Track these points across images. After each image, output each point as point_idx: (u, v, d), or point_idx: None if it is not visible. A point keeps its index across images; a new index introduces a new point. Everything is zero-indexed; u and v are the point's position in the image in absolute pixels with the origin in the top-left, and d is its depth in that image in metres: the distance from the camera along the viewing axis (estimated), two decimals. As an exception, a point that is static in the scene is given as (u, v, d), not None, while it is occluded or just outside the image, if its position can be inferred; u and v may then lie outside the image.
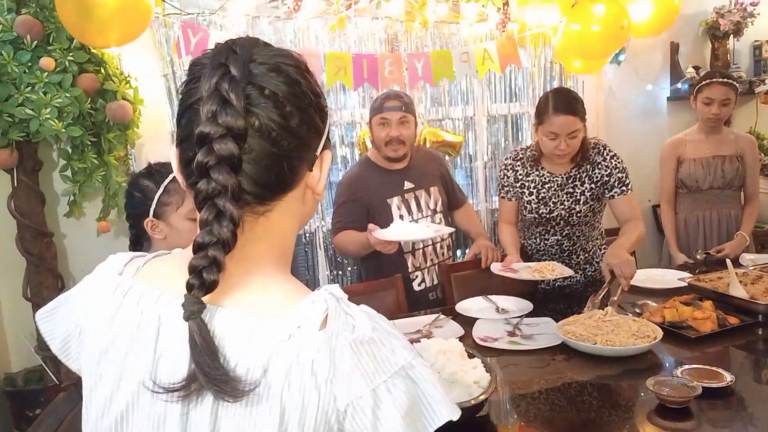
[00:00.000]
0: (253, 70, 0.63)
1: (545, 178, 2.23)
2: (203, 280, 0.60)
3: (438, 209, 2.40)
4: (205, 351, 0.59)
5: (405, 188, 2.34)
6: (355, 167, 2.46)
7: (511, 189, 2.30)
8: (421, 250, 2.35)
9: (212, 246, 0.61)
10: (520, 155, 2.30)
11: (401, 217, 2.30)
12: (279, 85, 0.63)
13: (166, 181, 1.44)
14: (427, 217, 2.36)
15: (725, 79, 2.61)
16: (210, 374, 0.58)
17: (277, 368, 0.59)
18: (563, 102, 2.07)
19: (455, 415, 0.62)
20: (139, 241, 1.53)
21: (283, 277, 0.68)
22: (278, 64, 0.64)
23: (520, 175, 2.27)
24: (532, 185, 2.25)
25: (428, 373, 0.63)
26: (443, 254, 2.46)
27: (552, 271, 2.04)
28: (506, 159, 2.35)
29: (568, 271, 2.08)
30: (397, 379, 0.61)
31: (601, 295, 1.87)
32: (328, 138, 0.71)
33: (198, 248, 0.61)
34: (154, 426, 0.63)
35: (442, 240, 2.41)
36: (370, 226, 2.09)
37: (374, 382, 0.60)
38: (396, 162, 2.33)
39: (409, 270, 2.35)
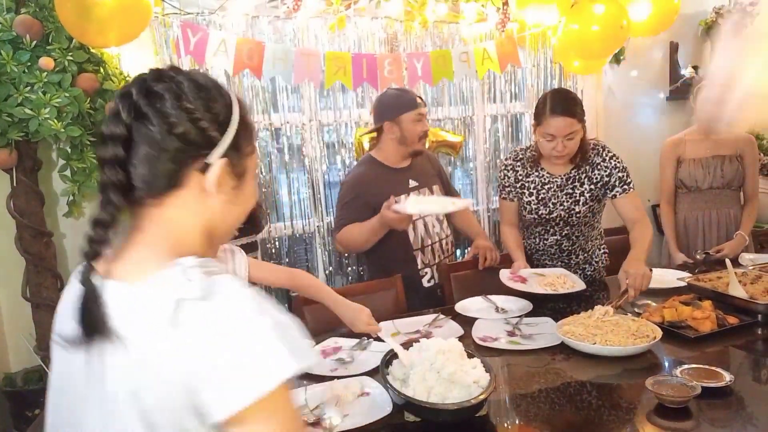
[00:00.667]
0: (151, 90, 0.77)
1: (545, 179, 2.24)
2: (88, 250, 0.76)
3: None
4: (89, 305, 0.73)
5: (410, 186, 2.37)
6: (360, 167, 2.45)
7: (513, 189, 2.30)
8: (429, 247, 2.38)
9: (97, 224, 0.76)
10: (520, 156, 2.30)
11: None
12: (166, 103, 0.76)
13: None
14: (432, 214, 2.38)
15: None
16: (91, 324, 0.73)
17: (137, 325, 0.72)
18: (561, 103, 2.07)
19: (292, 366, 0.68)
20: None
21: (168, 258, 0.76)
22: (174, 86, 0.77)
23: (521, 175, 2.28)
24: (532, 186, 2.25)
25: (267, 331, 0.70)
26: (448, 250, 2.49)
27: (563, 284, 2.03)
28: (506, 159, 2.35)
29: (580, 284, 2.05)
30: (226, 335, 0.68)
31: (615, 303, 1.85)
32: (235, 149, 0.81)
33: (90, 225, 0.77)
34: (68, 373, 0.78)
35: (447, 237, 2.46)
36: (389, 200, 2.06)
37: (203, 336, 0.68)
38: (403, 160, 2.37)
39: (419, 267, 2.37)
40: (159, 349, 0.70)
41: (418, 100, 2.32)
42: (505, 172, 2.32)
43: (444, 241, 2.43)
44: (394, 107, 2.30)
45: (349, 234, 2.26)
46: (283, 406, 0.71)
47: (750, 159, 2.71)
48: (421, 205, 2.08)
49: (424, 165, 2.46)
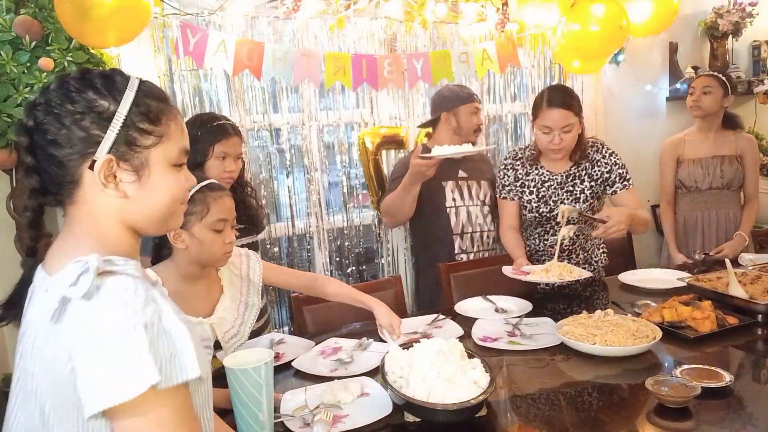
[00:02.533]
0: (43, 100, 0.83)
1: (545, 177, 2.25)
2: (27, 248, 0.90)
3: (487, 202, 2.54)
4: (17, 289, 0.89)
5: (459, 176, 2.50)
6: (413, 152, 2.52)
7: (513, 188, 2.31)
8: (469, 235, 2.50)
9: (26, 228, 0.89)
10: (519, 155, 2.31)
11: (453, 200, 2.48)
12: (53, 110, 0.82)
13: (192, 190, 1.43)
14: (477, 205, 2.51)
15: (711, 72, 2.65)
16: (10, 305, 0.89)
17: (34, 314, 0.81)
18: (557, 96, 2.12)
19: (153, 377, 0.71)
20: (161, 250, 1.53)
21: (88, 249, 0.81)
22: (58, 92, 0.83)
23: (520, 174, 2.28)
24: (532, 184, 2.26)
25: (135, 340, 0.72)
26: (489, 244, 2.56)
27: (570, 273, 2.03)
28: (505, 159, 2.36)
29: (585, 273, 2.06)
30: (96, 339, 0.71)
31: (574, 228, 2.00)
32: (127, 144, 0.83)
33: (22, 229, 0.90)
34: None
35: (489, 231, 2.54)
36: (417, 148, 2.24)
37: (77, 336, 0.73)
38: None
39: (456, 252, 2.47)
40: (44, 342, 0.77)
41: (475, 95, 2.54)
42: (505, 171, 2.32)
43: (485, 234, 2.54)
44: (452, 99, 2.49)
45: (387, 199, 2.41)
46: (152, 410, 0.73)
47: (750, 159, 2.71)
48: (444, 150, 2.19)
49: (478, 163, 2.59)
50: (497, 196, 2.40)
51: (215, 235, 1.45)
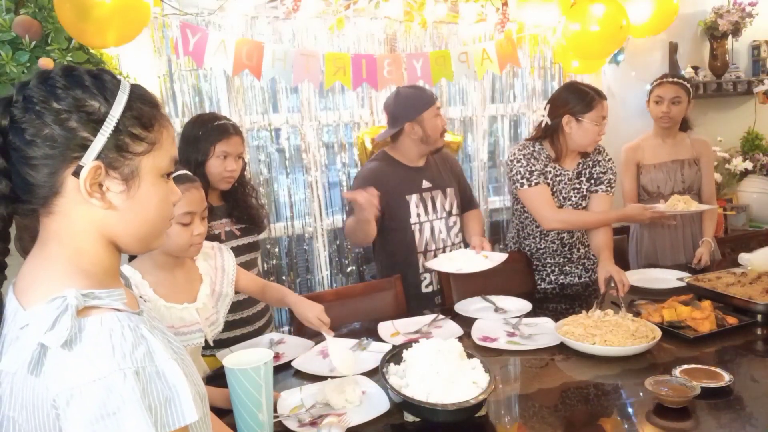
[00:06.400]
0: (24, 94, 0.74)
1: (558, 172, 2.28)
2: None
3: (453, 212, 2.37)
4: None
5: (423, 187, 2.31)
6: (373, 161, 2.37)
7: (541, 174, 2.27)
8: (432, 253, 2.31)
9: None
10: (530, 148, 2.29)
11: (418, 215, 2.29)
12: (34, 106, 0.73)
13: None
14: (442, 218, 2.34)
15: (675, 79, 2.62)
16: None
17: (10, 357, 0.72)
18: (598, 90, 2.23)
19: (149, 429, 0.66)
20: None
21: (64, 277, 0.75)
22: (44, 87, 0.74)
23: (541, 165, 2.27)
24: (549, 177, 2.28)
25: (125, 391, 0.66)
26: None
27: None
28: (521, 150, 2.30)
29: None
30: (82, 393, 0.65)
31: (601, 303, 1.87)
32: (117, 149, 0.76)
33: None
34: None
35: (453, 244, 2.35)
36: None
37: (61, 389, 0.66)
38: (420, 159, 2.33)
39: (420, 271, 2.32)
40: (22, 391, 0.70)
41: (435, 95, 2.31)
42: (528, 159, 2.27)
43: (448, 249, 2.33)
44: (413, 106, 2.22)
45: (347, 226, 2.25)
46: None
47: (706, 161, 2.69)
48: (452, 265, 2.12)
49: (442, 166, 2.40)
50: (519, 187, 2.27)
51: (182, 227, 1.43)
